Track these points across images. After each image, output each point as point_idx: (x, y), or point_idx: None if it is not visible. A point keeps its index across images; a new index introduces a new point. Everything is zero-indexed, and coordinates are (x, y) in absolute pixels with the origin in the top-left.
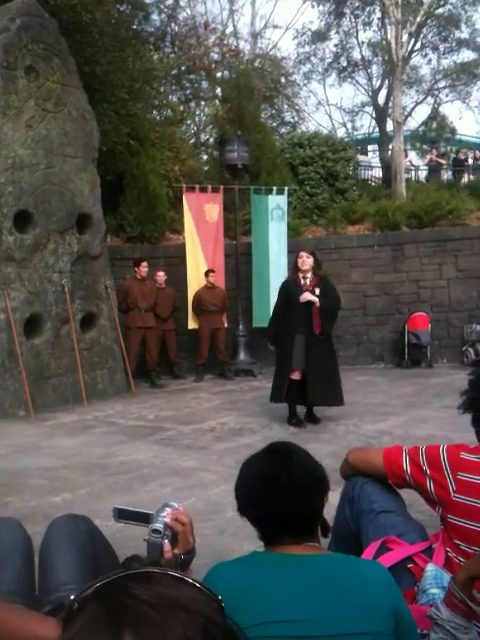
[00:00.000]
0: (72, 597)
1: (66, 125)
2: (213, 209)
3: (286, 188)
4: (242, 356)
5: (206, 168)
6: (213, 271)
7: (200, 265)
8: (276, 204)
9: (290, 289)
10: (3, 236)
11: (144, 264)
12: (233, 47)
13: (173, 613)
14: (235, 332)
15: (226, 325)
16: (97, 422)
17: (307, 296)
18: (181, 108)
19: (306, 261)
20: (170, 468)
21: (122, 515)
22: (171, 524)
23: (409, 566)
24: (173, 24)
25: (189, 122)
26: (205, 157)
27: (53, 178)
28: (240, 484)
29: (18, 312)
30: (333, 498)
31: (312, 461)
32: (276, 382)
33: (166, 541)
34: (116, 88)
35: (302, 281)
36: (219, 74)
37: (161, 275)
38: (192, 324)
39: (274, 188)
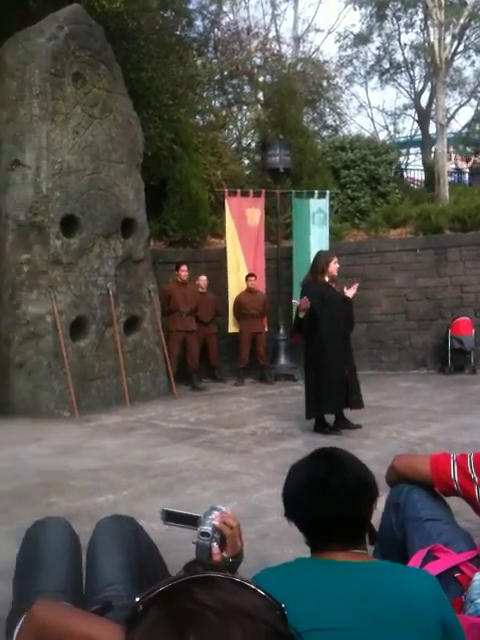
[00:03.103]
0: (137, 599)
1: (112, 131)
2: (254, 213)
3: (328, 192)
4: (282, 360)
5: (248, 172)
6: (253, 275)
7: (241, 269)
8: (318, 208)
9: (323, 291)
10: (51, 240)
11: (183, 268)
12: (275, 51)
13: (236, 619)
14: (275, 336)
15: (266, 329)
16: (139, 424)
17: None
18: (223, 113)
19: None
20: (211, 471)
21: (170, 517)
22: (219, 527)
23: (456, 575)
24: (216, 29)
25: (231, 127)
26: (247, 161)
27: (99, 183)
28: (288, 488)
29: (64, 315)
30: (379, 504)
31: (362, 466)
32: (333, 390)
33: (215, 544)
34: (160, 94)
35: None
36: (261, 78)
37: (203, 279)
38: (232, 328)
39: (316, 192)
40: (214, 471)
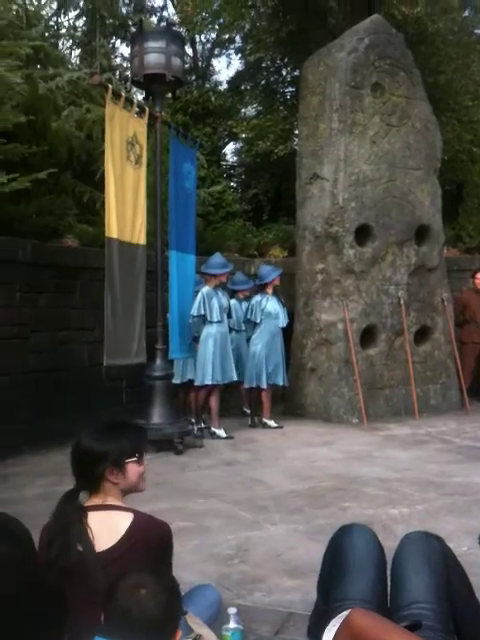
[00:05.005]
0: None
1: (409, 137)
2: None
3: None
4: None
5: None
6: None
7: None
8: None
9: None
10: (345, 250)
11: (478, 275)
12: None
13: None
14: None
15: None
16: (430, 438)
17: None
18: None
19: None
20: None
21: None
22: None
23: None
24: None
25: None
26: None
27: (394, 191)
28: None
29: (355, 323)
30: None
31: None
32: None
33: None
34: (459, 95)
35: None
36: None
37: None
38: None
39: None
40: None
